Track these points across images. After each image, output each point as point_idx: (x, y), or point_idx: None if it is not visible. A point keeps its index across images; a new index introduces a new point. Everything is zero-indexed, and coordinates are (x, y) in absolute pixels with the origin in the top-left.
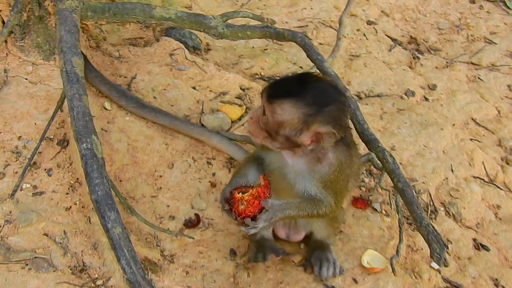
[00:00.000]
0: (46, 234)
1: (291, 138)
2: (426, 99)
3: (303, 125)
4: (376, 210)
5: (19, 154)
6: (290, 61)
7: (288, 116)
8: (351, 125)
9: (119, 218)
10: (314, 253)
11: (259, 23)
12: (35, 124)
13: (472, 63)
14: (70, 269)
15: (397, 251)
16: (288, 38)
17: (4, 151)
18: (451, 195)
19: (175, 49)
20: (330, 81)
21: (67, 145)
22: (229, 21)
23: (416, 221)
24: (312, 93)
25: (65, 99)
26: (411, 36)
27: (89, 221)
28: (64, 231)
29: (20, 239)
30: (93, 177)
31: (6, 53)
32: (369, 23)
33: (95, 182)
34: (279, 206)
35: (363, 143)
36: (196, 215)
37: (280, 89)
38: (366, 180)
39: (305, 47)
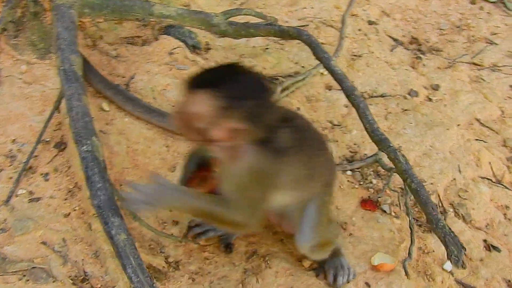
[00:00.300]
0: (44, 243)
1: (205, 132)
2: (430, 99)
3: (216, 119)
4: (385, 212)
5: (13, 158)
6: (291, 60)
7: (202, 108)
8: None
9: (124, 224)
10: (327, 260)
11: (261, 21)
12: (30, 126)
13: (474, 64)
14: (71, 279)
15: (410, 254)
16: (293, 36)
17: None
18: (460, 196)
19: (174, 48)
20: (258, 75)
21: (64, 148)
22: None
23: (432, 222)
24: (232, 85)
25: (62, 99)
26: (412, 36)
27: (90, 228)
28: (63, 239)
29: (17, 248)
30: (95, 181)
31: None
32: (370, 23)
33: (96, 186)
34: (169, 188)
35: (374, 143)
36: None
37: (201, 79)
38: (374, 181)
39: (311, 46)
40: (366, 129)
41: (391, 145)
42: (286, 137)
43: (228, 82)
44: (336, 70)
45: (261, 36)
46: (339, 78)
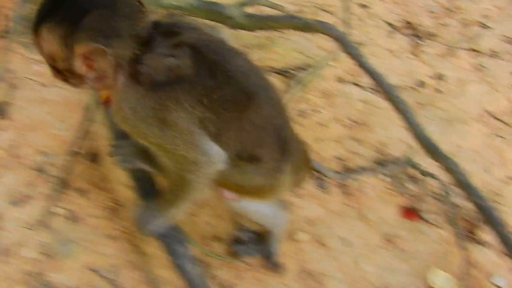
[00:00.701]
0: (91, 269)
1: (70, 72)
2: (439, 90)
3: (66, 50)
4: (426, 221)
5: (42, 172)
6: (296, 50)
7: (50, 46)
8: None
9: (189, 252)
10: None
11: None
12: (55, 135)
13: (473, 50)
14: None
15: (466, 271)
16: (319, 30)
17: (24, 168)
18: (495, 201)
19: None
20: None
21: (99, 160)
22: None
23: (509, 247)
24: (66, 6)
25: (91, 105)
26: (406, 20)
27: (140, 251)
28: (112, 264)
29: (62, 275)
30: None
31: (9, 50)
32: (361, 6)
33: None
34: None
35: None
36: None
37: (40, 14)
38: (409, 186)
39: (340, 41)
40: (414, 136)
41: (445, 154)
42: (166, 62)
43: (63, 5)
44: (371, 68)
45: (282, 29)
46: (377, 79)
